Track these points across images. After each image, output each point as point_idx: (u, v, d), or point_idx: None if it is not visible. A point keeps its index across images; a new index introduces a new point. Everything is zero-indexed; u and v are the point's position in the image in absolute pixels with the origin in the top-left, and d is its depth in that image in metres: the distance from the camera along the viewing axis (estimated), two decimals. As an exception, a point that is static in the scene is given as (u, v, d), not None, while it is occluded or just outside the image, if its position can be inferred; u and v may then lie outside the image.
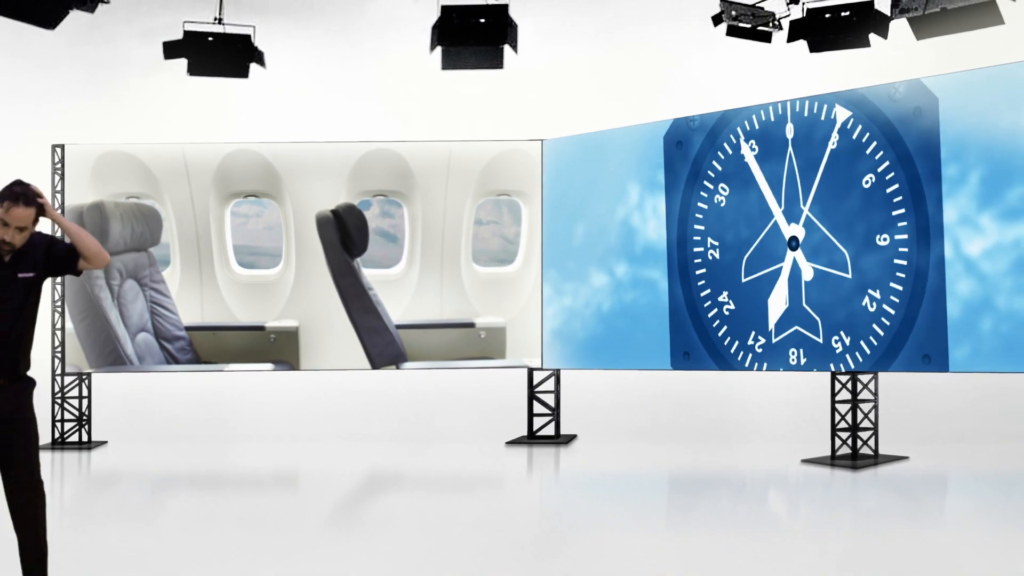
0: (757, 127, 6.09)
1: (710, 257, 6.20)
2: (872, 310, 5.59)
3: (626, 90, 10.89)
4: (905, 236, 5.40)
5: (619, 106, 10.30)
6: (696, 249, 6.25)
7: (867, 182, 5.59)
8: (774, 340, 6.03)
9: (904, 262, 5.42)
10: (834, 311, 5.77)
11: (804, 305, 5.90)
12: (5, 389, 3.88)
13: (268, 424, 10.17)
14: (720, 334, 6.18)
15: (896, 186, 5.40)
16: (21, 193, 3.74)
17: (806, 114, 5.84)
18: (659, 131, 6.41)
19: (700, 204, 6.19)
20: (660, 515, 6.25)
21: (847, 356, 5.79)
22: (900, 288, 5.43)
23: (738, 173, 6.09)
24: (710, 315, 6.23)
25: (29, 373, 4.08)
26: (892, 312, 5.48)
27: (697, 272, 6.23)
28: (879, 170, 5.57)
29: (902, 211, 5.42)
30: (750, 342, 6.08)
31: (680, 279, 6.26)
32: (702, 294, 6.23)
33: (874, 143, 5.59)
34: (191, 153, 9.08)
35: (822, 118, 5.77)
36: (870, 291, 5.60)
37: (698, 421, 9.73)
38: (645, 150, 6.58)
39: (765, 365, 5.99)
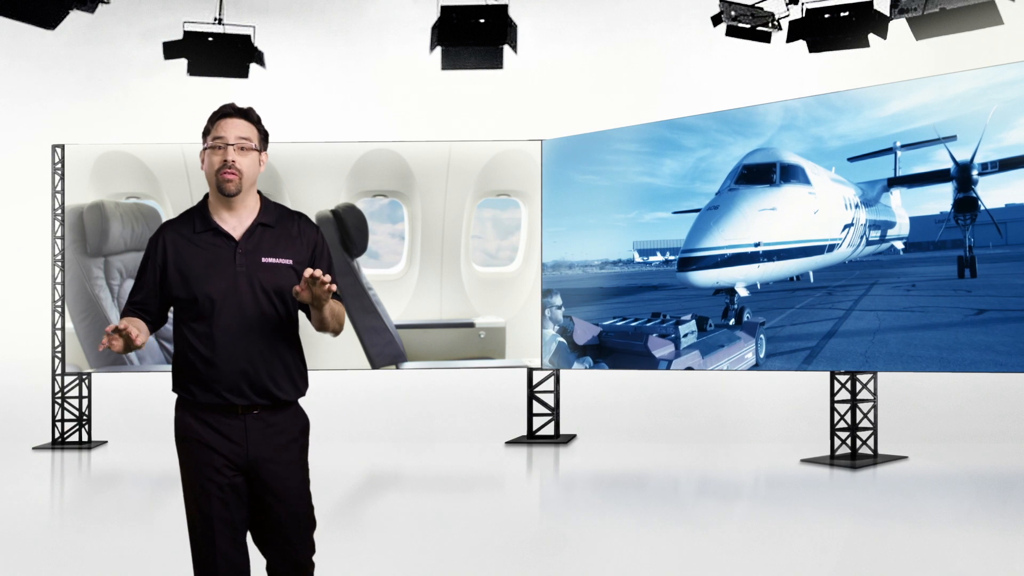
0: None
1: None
2: None
3: (625, 90, 10.89)
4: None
5: (618, 106, 10.30)
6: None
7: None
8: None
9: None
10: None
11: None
12: (257, 418, 2.81)
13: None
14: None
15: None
16: (237, 108, 2.83)
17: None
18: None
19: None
20: (659, 515, 6.26)
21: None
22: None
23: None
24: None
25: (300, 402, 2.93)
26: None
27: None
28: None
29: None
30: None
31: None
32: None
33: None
34: (191, 153, 9.09)
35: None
36: None
37: (697, 421, 9.74)
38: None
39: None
